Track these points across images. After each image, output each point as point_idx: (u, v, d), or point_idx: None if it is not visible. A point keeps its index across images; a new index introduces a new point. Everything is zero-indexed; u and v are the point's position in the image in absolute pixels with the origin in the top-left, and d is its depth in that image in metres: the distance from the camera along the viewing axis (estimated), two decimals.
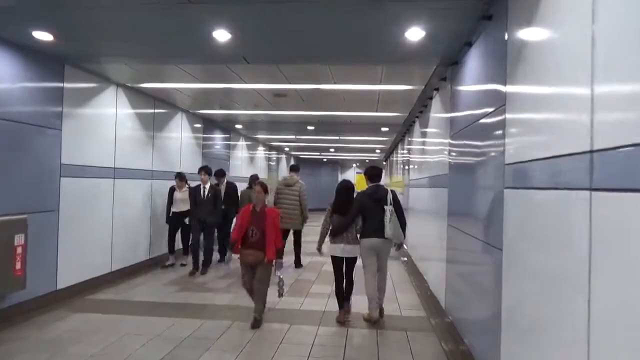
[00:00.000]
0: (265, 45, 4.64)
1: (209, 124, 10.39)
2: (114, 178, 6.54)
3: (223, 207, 7.74)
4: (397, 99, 7.28)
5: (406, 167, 10.21)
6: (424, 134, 7.17)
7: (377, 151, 17.94)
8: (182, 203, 7.58)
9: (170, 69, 5.84)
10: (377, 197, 4.90)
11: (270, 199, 8.63)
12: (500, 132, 2.96)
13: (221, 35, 4.23)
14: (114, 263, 6.57)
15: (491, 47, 3.37)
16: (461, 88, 4.37)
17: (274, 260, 4.74)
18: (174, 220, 7.65)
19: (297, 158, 22.81)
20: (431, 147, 6.35)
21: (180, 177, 7.66)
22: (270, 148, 17.16)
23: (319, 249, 5.15)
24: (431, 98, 6.38)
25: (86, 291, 5.80)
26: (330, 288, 5.98)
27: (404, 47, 4.45)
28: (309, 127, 10.93)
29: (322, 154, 20.71)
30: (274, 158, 18.43)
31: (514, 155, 2.68)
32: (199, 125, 9.83)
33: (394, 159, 14.89)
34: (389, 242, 4.89)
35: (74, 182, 5.63)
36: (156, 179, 7.72)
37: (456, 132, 4.45)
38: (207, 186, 7.38)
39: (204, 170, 7.43)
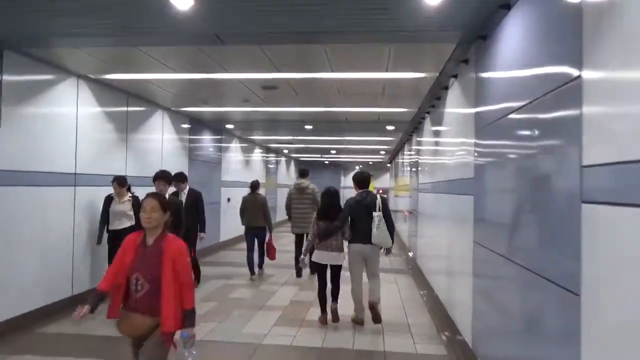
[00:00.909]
0: (240, 16, 3.66)
1: (197, 124, 9.43)
2: (75, 185, 5.57)
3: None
4: (406, 90, 6.30)
5: (414, 170, 9.22)
6: (437, 131, 6.17)
7: (382, 152, 16.94)
8: (124, 217, 5.68)
9: (138, 56, 4.88)
10: (365, 203, 4.94)
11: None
12: (572, 113, 1.98)
13: (181, 0, 3.26)
14: (76, 286, 5.59)
15: (549, 9, 2.38)
16: (493, 70, 3.38)
17: (177, 333, 2.58)
18: (114, 241, 5.47)
19: (297, 161, 21.83)
20: (448, 146, 5.35)
21: (120, 182, 5.67)
22: (267, 150, 16.17)
23: (302, 259, 5.24)
24: (447, 88, 5.39)
25: (37, 323, 4.82)
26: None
27: (419, 16, 3.47)
28: (307, 127, 9.95)
29: (324, 156, 19.71)
30: (273, 161, 17.44)
31: (606, 152, 1.70)
32: (185, 126, 8.87)
33: (400, 160, 13.88)
34: (377, 247, 4.94)
35: (17, 191, 4.68)
36: (132, 185, 6.70)
37: (486, 125, 3.46)
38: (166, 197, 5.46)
39: (164, 178, 5.36)
